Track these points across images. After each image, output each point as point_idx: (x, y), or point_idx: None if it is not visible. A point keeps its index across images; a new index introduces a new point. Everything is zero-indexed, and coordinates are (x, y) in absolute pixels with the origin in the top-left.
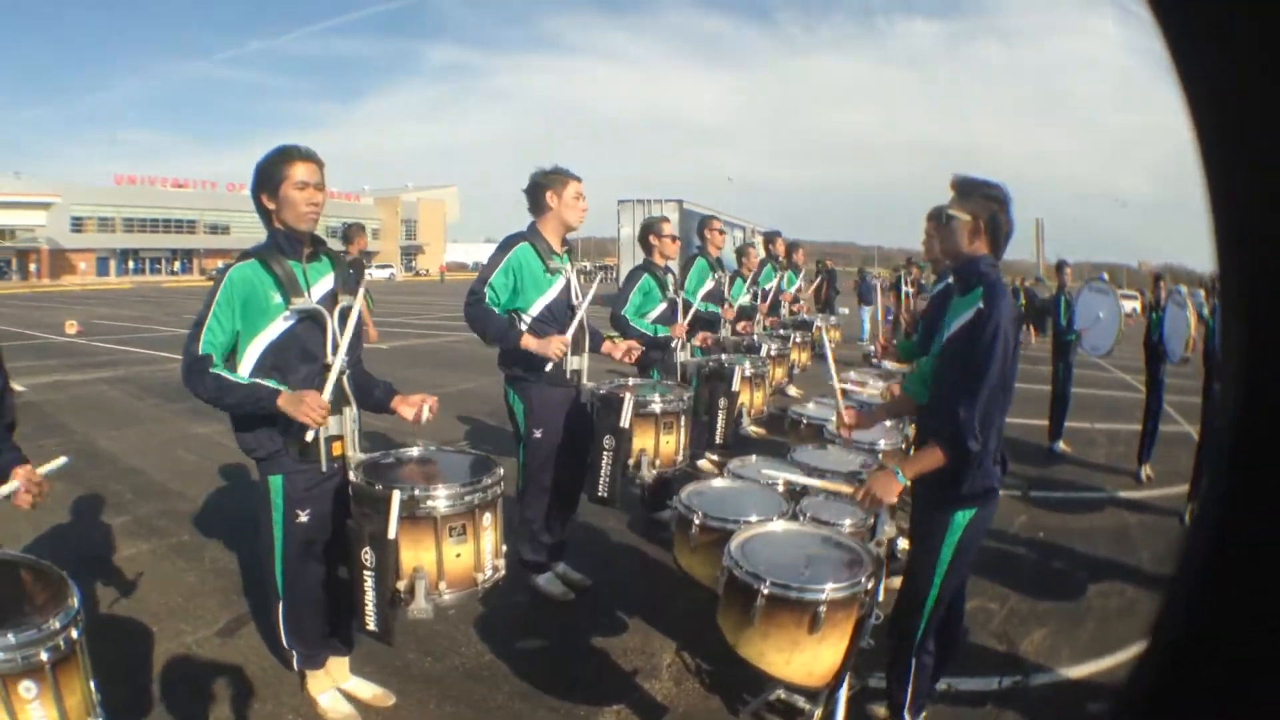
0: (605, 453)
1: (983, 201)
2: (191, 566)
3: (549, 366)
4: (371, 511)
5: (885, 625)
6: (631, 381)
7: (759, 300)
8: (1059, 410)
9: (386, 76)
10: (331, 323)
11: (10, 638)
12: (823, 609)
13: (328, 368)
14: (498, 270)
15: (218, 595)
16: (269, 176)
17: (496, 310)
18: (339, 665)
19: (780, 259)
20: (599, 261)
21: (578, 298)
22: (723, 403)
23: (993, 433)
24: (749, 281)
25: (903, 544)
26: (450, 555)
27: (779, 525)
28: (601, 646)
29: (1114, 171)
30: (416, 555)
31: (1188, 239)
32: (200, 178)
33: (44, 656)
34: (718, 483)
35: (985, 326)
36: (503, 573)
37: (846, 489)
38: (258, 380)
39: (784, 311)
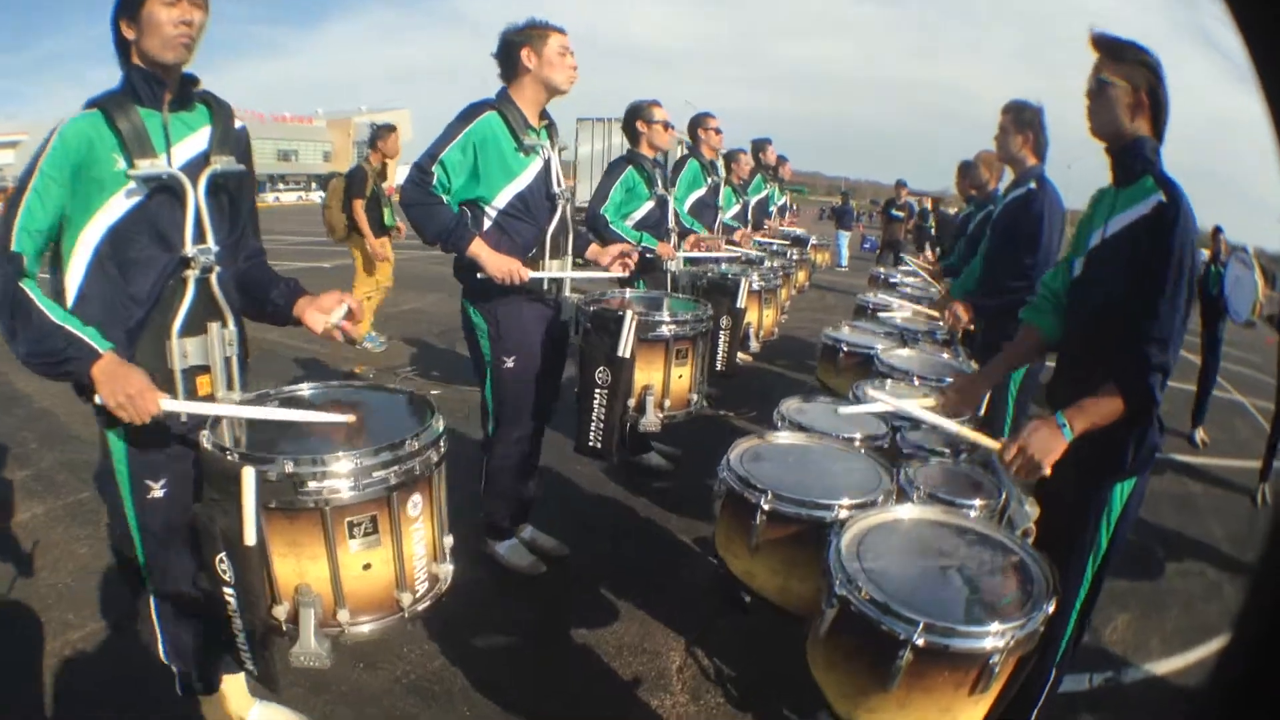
0: (598, 390)
1: (1140, 69)
2: (86, 534)
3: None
4: (223, 496)
5: None
6: (628, 294)
7: (748, 214)
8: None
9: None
10: (194, 195)
11: None
12: (996, 660)
13: (186, 261)
14: (453, 144)
15: (114, 571)
16: None
17: (445, 199)
18: (236, 687)
19: (770, 169)
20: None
21: (559, 185)
22: (725, 322)
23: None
24: (739, 192)
25: (1031, 512)
26: (353, 567)
27: (903, 512)
28: (588, 643)
29: None
30: (299, 568)
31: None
32: None
33: None
34: (782, 438)
35: (1173, 225)
36: (447, 583)
37: (994, 444)
38: (74, 329)
39: (773, 225)
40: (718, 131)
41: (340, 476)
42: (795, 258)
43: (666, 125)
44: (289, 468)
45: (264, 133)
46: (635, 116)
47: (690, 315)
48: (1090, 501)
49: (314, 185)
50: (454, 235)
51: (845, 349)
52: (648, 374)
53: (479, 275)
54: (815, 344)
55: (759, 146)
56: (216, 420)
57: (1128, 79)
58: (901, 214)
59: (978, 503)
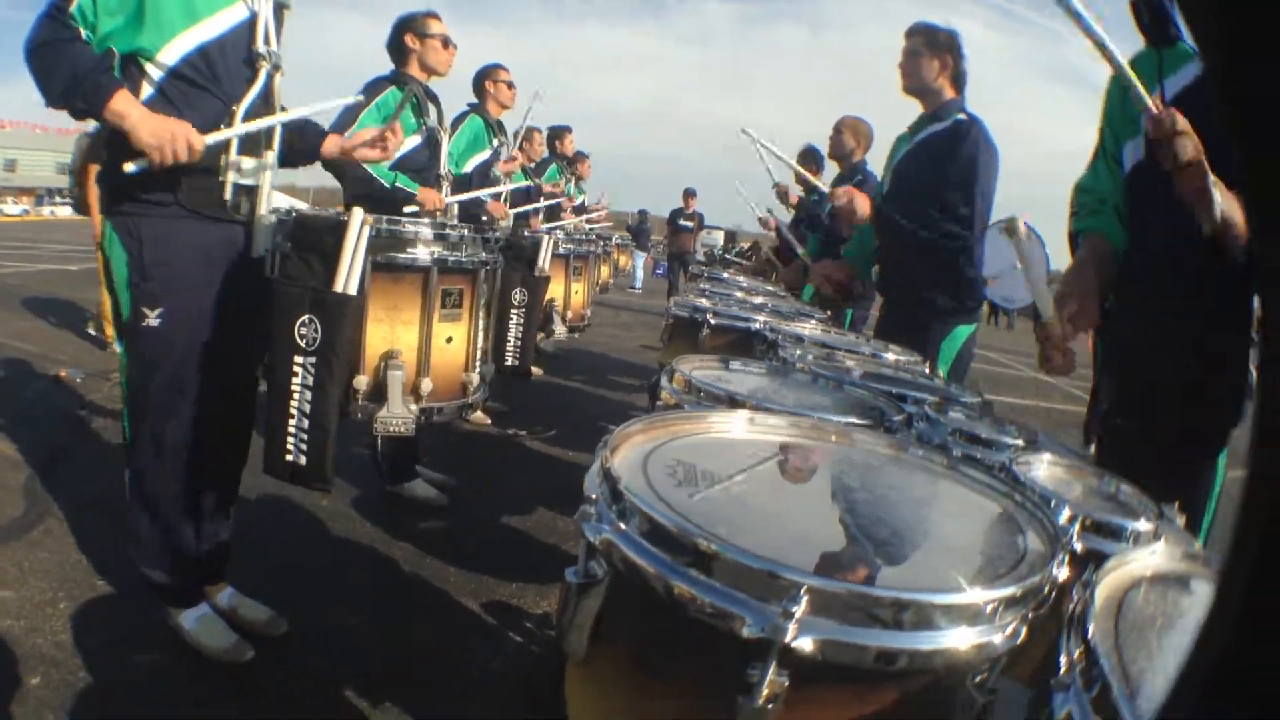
0: (300, 360)
1: None
2: None
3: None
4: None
5: None
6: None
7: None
8: None
9: None
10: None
11: None
12: None
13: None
14: None
15: None
16: None
17: (82, 38)
18: None
19: (567, 160)
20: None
21: (269, 43)
22: (519, 296)
23: None
24: (529, 174)
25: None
26: None
27: (1133, 567)
28: None
29: None
30: None
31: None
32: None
33: None
34: (722, 425)
35: None
36: None
37: None
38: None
39: (570, 224)
40: (510, 86)
41: None
42: (597, 251)
43: (446, 42)
44: None
45: (44, 144)
46: (404, 30)
47: (467, 236)
48: (1197, 487)
49: None
50: (88, 82)
51: (713, 320)
52: (390, 332)
53: (127, 168)
54: (615, 359)
55: (556, 134)
56: None
57: None
58: (690, 224)
59: (1143, 525)
